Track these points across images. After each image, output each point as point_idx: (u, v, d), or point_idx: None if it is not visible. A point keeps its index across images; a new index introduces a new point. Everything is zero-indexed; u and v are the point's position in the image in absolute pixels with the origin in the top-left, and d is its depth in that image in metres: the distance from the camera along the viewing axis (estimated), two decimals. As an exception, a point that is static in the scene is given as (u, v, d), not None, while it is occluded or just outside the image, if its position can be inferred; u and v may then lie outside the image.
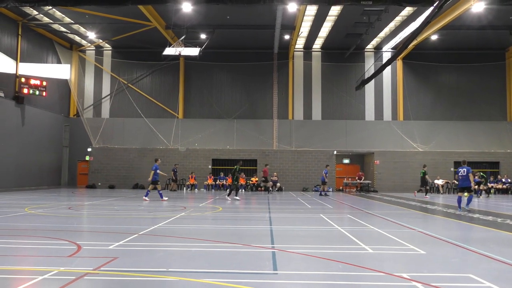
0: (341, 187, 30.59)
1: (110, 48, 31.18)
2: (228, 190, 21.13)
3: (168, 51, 24.12)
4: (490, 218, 12.45)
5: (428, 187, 23.92)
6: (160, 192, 18.61)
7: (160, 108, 30.63)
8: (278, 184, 28.28)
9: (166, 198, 18.64)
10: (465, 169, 14.37)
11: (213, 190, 28.49)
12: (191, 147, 30.06)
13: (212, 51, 28.97)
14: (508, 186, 27.00)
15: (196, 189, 28.43)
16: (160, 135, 30.12)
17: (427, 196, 22.98)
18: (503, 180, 27.53)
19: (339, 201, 19.78)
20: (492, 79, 30.30)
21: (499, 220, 11.91)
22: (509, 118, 30.08)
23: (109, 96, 30.83)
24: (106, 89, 31.05)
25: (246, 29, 26.59)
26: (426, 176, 23.35)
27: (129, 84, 30.66)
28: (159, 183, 18.50)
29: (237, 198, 19.03)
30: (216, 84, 30.88)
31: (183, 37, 25.59)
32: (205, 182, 28.71)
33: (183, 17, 24.29)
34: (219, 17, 24.94)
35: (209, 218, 12.53)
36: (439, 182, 28.10)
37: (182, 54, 24.61)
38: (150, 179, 18.20)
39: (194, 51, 24.77)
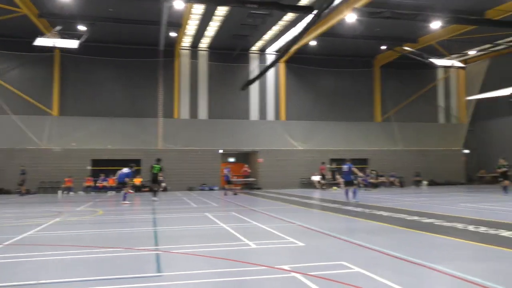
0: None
1: (-31, 35, 27.42)
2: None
3: (41, 41, 21.90)
4: (359, 209, 13.70)
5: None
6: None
7: (31, 104, 27.76)
8: (164, 184, 27.67)
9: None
10: (347, 166, 16.66)
11: (92, 192, 26.74)
12: (68, 147, 27.80)
13: (93, 45, 27.19)
14: (393, 180, 29.81)
15: (72, 192, 26.36)
16: (31, 133, 27.29)
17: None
18: (372, 174, 30.45)
19: (224, 199, 20.04)
20: (362, 84, 33.43)
21: (367, 211, 13.15)
22: (376, 119, 33.51)
23: (-33, 89, 27.06)
24: (-37, 81, 27.20)
25: (130, 24, 25.42)
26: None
27: (-7, 77, 27.26)
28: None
29: None
30: (97, 80, 29.02)
31: (59, 27, 23.54)
32: (83, 184, 26.81)
33: (59, 5, 22.39)
34: (101, 9, 23.51)
35: (87, 222, 11.73)
36: (316, 178, 30.09)
37: (57, 45, 22.59)
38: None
39: (72, 44, 22.87)
